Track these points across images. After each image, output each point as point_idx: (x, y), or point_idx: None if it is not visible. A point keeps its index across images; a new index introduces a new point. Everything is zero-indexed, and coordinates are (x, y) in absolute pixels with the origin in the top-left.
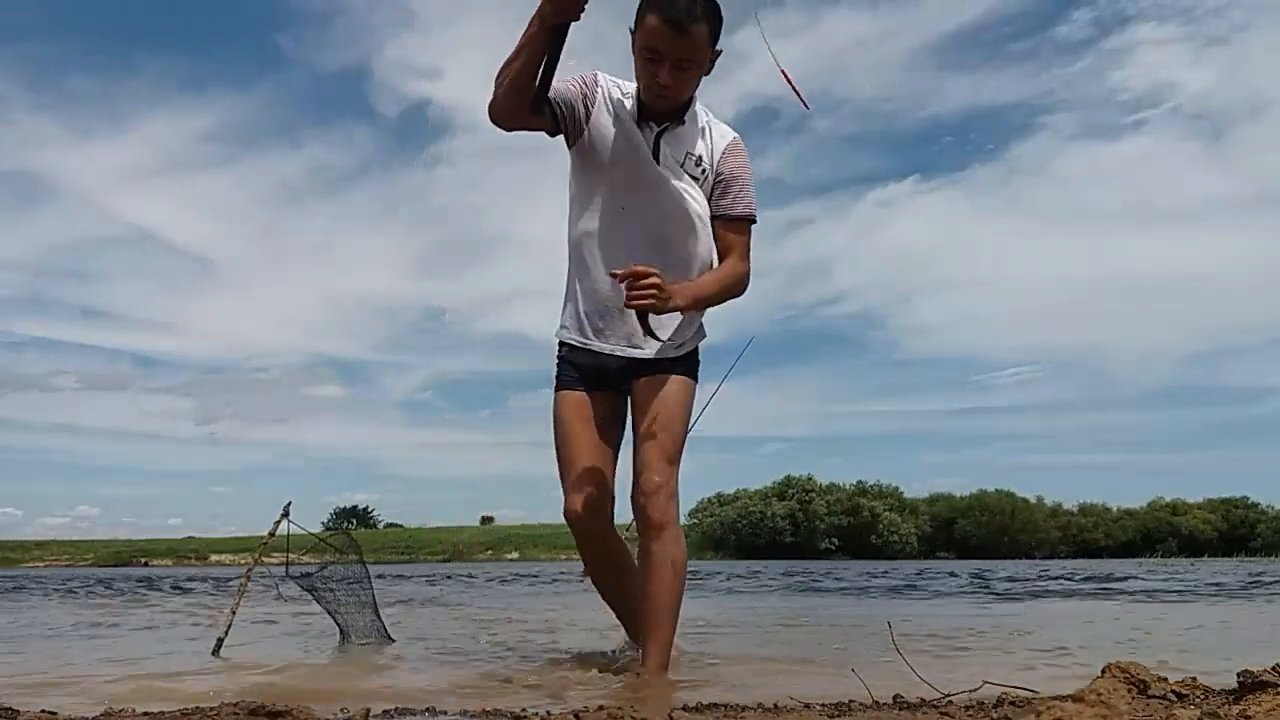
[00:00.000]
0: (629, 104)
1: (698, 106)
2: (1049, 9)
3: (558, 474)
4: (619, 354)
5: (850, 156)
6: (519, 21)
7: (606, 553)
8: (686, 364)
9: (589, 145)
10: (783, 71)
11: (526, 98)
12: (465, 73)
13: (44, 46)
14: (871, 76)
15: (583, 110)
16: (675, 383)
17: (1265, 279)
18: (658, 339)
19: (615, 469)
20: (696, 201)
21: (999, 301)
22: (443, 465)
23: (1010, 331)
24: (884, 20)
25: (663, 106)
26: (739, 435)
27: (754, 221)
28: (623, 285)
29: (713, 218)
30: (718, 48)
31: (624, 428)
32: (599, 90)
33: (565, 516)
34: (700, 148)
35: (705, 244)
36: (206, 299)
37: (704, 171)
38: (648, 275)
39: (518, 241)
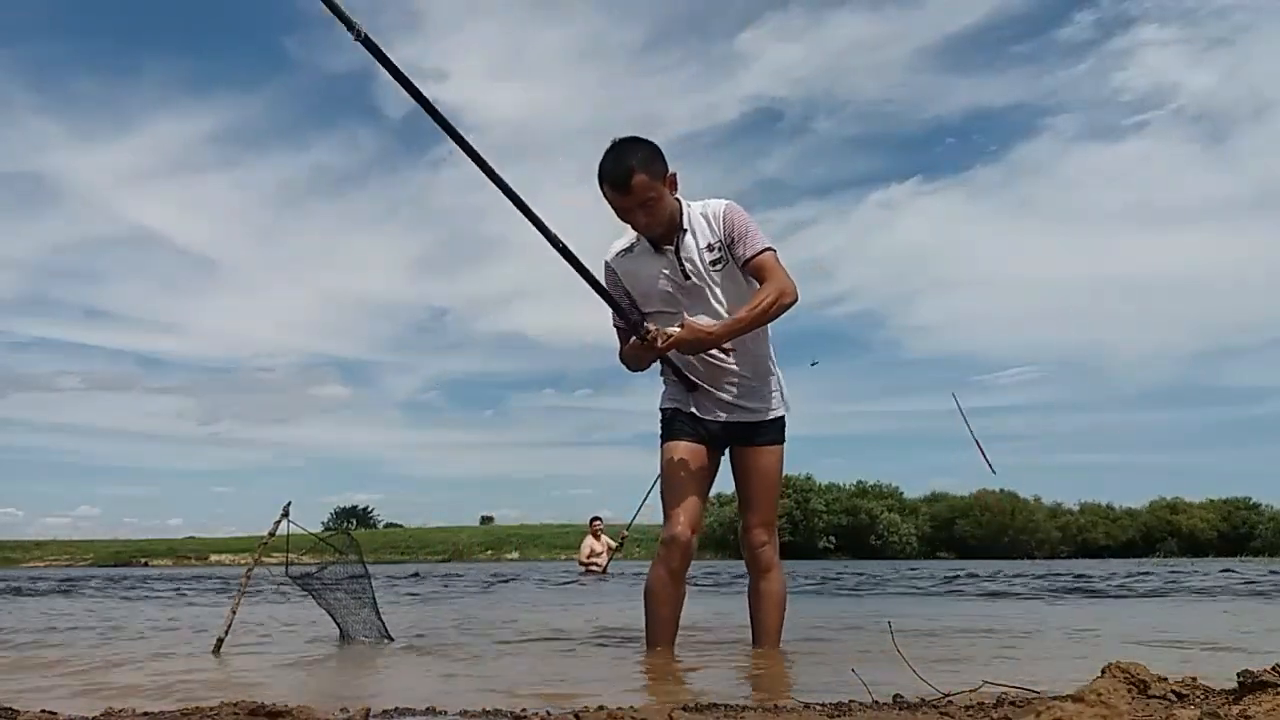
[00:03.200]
0: (640, 245)
1: (685, 208)
2: (1051, 11)
3: (661, 501)
4: (714, 419)
5: (852, 157)
6: (522, 24)
7: (679, 569)
8: (775, 429)
9: (644, 302)
10: (977, 443)
11: None
12: (470, 75)
13: (48, 48)
14: (874, 78)
15: (631, 300)
16: (770, 453)
17: (1266, 279)
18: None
19: (705, 504)
20: (727, 290)
21: (1000, 302)
22: (443, 465)
23: (1011, 331)
24: (887, 22)
25: (658, 233)
26: None
27: (764, 252)
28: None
29: (741, 269)
30: (669, 173)
31: (716, 474)
32: (617, 275)
33: (667, 533)
34: (707, 235)
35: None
36: (209, 299)
37: (720, 249)
38: (669, 341)
39: (518, 242)
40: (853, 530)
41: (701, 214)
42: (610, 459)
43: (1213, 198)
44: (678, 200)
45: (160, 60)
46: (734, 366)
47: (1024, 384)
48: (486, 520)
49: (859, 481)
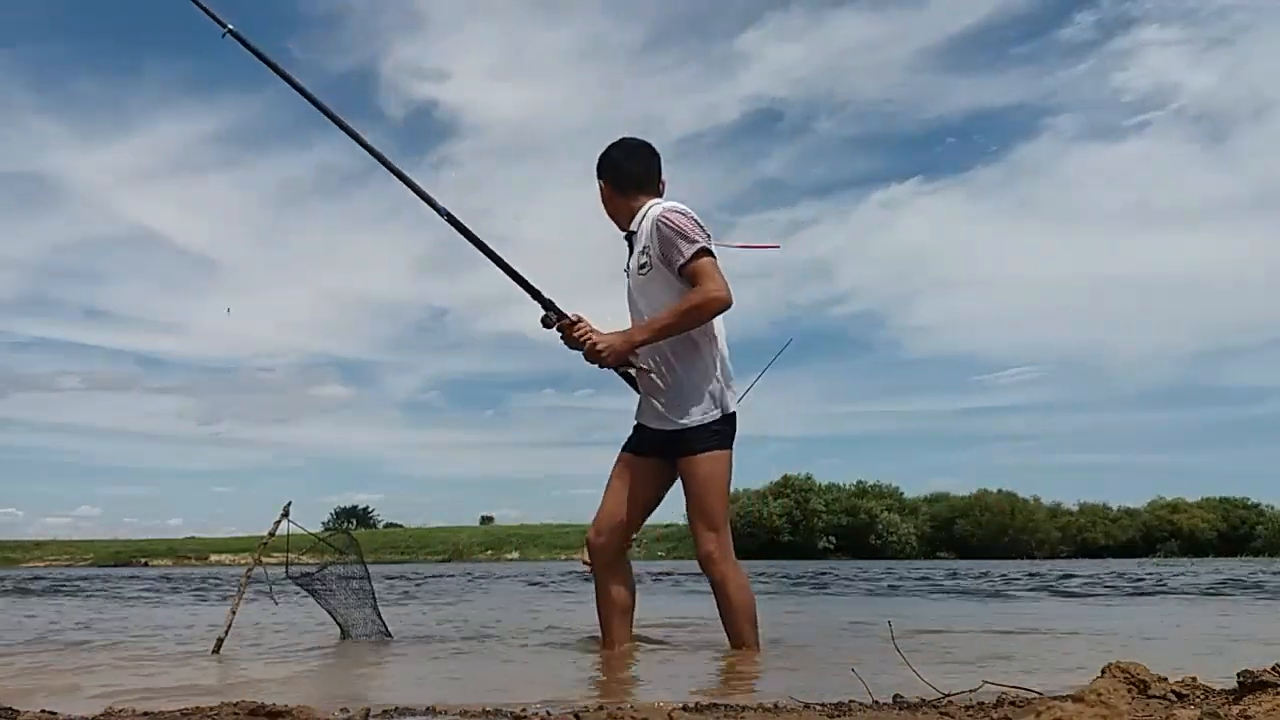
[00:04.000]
0: None
1: (649, 210)
2: (1052, 11)
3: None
4: (651, 426)
5: (853, 158)
6: (522, 24)
7: (599, 568)
8: (711, 435)
9: None
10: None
11: None
12: (471, 75)
13: (48, 48)
14: (874, 78)
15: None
16: (705, 461)
17: (1266, 279)
18: (644, 369)
19: (643, 515)
20: (655, 298)
21: (1000, 302)
22: (443, 465)
23: (1011, 331)
24: (888, 22)
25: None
26: (740, 435)
27: (694, 259)
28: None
29: (679, 278)
30: (602, 183)
31: (664, 481)
32: None
33: (586, 538)
34: (643, 239)
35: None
36: (210, 299)
37: (648, 255)
38: (589, 350)
39: (519, 242)
40: (853, 530)
41: (650, 218)
42: (611, 459)
43: (1213, 198)
44: (649, 202)
45: (160, 60)
46: (652, 377)
47: (1024, 384)
48: (486, 520)
49: (859, 481)
